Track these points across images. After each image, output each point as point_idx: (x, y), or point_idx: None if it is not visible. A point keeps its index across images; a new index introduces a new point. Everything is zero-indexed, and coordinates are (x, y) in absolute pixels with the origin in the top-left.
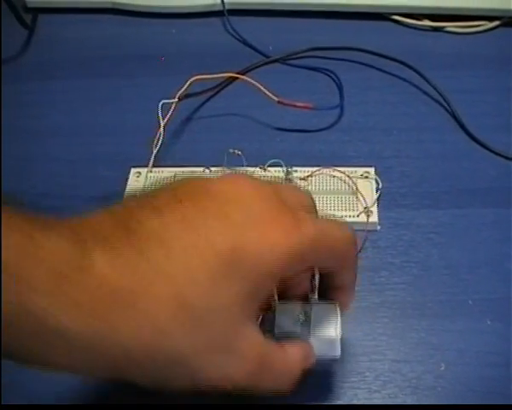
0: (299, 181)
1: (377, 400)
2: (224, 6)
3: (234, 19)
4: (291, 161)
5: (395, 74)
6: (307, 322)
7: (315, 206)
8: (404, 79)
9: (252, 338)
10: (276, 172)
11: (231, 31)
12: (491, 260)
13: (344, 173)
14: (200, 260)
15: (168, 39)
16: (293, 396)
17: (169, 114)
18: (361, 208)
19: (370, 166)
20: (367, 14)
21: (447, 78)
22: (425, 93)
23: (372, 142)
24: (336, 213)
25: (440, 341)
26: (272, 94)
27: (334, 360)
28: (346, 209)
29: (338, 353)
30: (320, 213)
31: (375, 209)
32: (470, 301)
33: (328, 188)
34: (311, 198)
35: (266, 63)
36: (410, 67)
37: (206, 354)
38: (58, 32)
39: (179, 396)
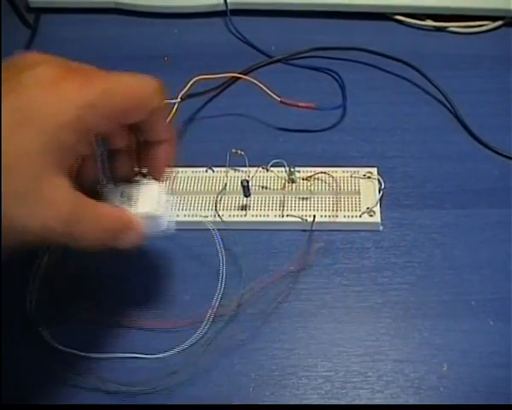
0: (301, 181)
1: (380, 400)
2: (226, 6)
3: (236, 19)
4: (294, 161)
5: (398, 74)
6: (129, 200)
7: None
8: (407, 79)
9: (62, 187)
10: (279, 173)
11: (234, 31)
12: (495, 260)
13: (346, 174)
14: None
15: (170, 39)
16: (295, 396)
17: (171, 114)
18: (364, 209)
19: (373, 166)
20: (370, 14)
21: (450, 78)
22: (428, 93)
23: (375, 142)
24: (339, 213)
25: (443, 341)
26: (275, 94)
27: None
28: (348, 209)
29: (160, 227)
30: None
31: (377, 209)
32: (473, 302)
33: (330, 188)
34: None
35: (269, 63)
36: (413, 67)
37: (18, 201)
38: (61, 31)
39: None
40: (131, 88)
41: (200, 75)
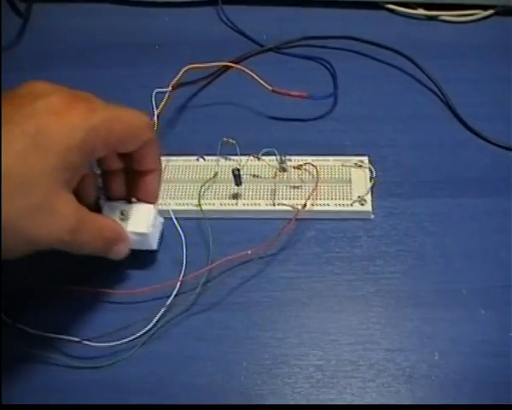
0: (293, 170)
1: (371, 389)
2: None
3: (228, 8)
4: (285, 149)
5: (389, 63)
6: (126, 218)
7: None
8: (399, 68)
9: (70, 202)
10: (270, 161)
11: (225, 20)
12: (486, 249)
13: (338, 162)
14: (15, 138)
15: (162, 28)
16: (286, 385)
17: (163, 103)
18: (355, 197)
19: (364, 155)
20: (361, 3)
21: (442, 67)
22: (419, 82)
23: (366, 131)
24: (330, 201)
25: (434, 330)
26: (266, 83)
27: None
28: (339, 198)
29: (152, 246)
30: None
31: (369, 198)
32: (464, 291)
33: (322, 177)
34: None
35: (260, 52)
36: (405, 56)
37: (32, 216)
38: (52, 21)
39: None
40: (129, 120)
41: (191, 64)
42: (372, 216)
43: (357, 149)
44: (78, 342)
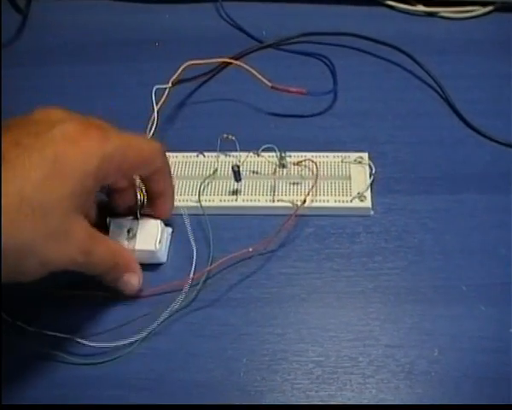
0: (292, 166)
1: (370, 385)
2: None
3: (227, 4)
4: (285, 146)
5: (389, 59)
6: (133, 236)
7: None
8: (398, 65)
9: (83, 225)
10: (270, 158)
11: (225, 16)
12: (486, 245)
13: (337, 159)
14: (33, 165)
15: (162, 25)
16: (286, 381)
17: (162, 99)
18: (354, 194)
19: (364, 151)
20: (361, 0)
21: (441, 63)
22: (419, 78)
23: (366, 127)
24: (329, 198)
25: (434, 326)
26: (266, 79)
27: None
28: (339, 194)
29: (160, 260)
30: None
31: (368, 195)
32: (464, 287)
33: (321, 173)
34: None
35: (260, 48)
36: (404, 53)
37: (49, 240)
38: (52, 17)
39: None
40: (142, 147)
41: (191, 60)
42: (371, 212)
43: (357, 145)
44: (78, 339)
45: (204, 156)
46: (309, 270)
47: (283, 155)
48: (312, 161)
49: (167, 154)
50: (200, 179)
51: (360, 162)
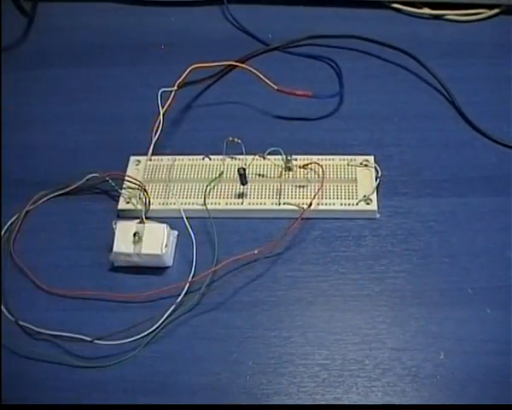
0: (298, 169)
1: (376, 388)
2: None
3: (233, 7)
4: (290, 149)
5: (395, 62)
6: (140, 240)
7: None
8: (404, 68)
9: None
10: (276, 161)
11: (231, 19)
12: (491, 248)
13: (343, 162)
14: None
15: (167, 28)
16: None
17: (168, 102)
18: (360, 197)
19: (370, 154)
20: (367, 3)
21: (447, 66)
22: (425, 81)
23: (372, 130)
24: (336, 201)
25: (440, 329)
26: (272, 82)
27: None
28: (345, 197)
29: (166, 264)
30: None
31: (374, 197)
32: (470, 290)
33: (327, 176)
34: None
35: (266, 51)
36: (410, 56)
37: None
38: (58, 20)
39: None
40: None
41: (196, 63)
42: (377, 215)
43: (363, 148)
44: (83, 341)
45: (210, 159)
46: (315, 273)
47: (289, 157)
48: (318, 164)
49: (173, 157)
50: (205, 182)
51: (366, 165)
